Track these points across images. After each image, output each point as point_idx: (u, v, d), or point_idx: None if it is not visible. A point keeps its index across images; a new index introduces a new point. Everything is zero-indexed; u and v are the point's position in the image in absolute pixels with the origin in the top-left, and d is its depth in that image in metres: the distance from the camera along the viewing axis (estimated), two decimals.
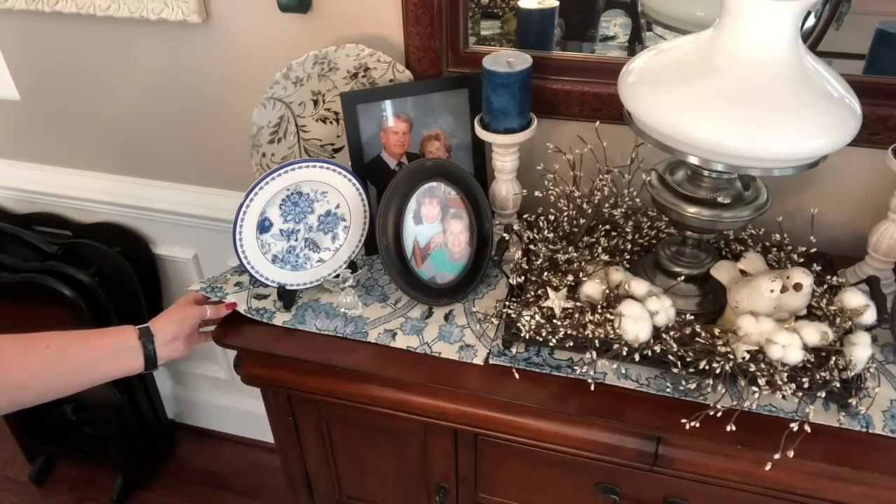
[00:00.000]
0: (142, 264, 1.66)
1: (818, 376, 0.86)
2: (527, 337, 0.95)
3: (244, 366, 1.10)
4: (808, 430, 0.84)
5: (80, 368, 0.93)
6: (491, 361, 0.99)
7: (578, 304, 0.96)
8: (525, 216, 1.14)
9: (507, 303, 1.02)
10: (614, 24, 1.18)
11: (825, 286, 0.97)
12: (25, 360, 0.88)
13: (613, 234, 1.09)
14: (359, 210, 1.10)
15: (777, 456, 0.83)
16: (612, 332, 0.91)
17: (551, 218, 1.08)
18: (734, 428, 0.85)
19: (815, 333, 0.87)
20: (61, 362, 0.91)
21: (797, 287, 0.90)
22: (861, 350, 0.87)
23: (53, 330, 0.92)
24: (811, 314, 0.94)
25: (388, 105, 1.13)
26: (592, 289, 0.96)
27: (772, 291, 0.89)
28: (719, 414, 0.86)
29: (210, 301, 1.09)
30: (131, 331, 0.98)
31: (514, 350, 1.00)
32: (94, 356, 0.94)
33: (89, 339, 0.95)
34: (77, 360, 0.92)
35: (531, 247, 1.06)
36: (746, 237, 1.07)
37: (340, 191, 1.08)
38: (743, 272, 0.97)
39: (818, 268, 0.99)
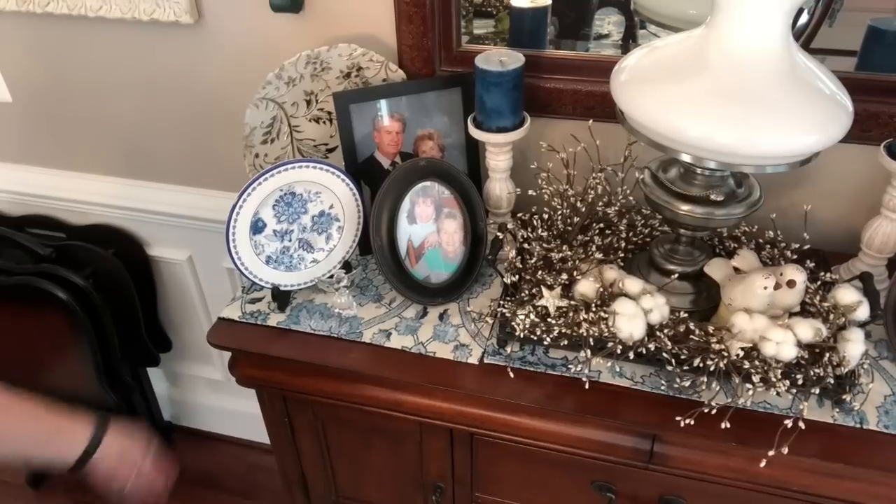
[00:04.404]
0: (136, 266, 1.66)
1: (812, 373, 0.87)
2: (521, 336, 0.95)
3: (239, 367, 1.09)
4: (803, 427, 0.84)
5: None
6: (486, 361, 0.99)
7: (573, 302, 0.96)
8: (519, 215, 1.14)
9: (501, 302, 1.01)
10: (608, 23, 1.18)
11: (818, 283, 0.97)
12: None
13: (607, 232, 1.09)
14: (352, 210, 1.10)
15: (771, 453, 0.83)
16: (606, 330, 0.91)
17: (545, 216, 1.08)
18: (729, 425, 0.85)
19: (808, 330, 0.88)
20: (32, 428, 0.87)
21: (790, 284, 0.90)
22: (854, 346, 0.87)
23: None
24: (805, 311, 0.94)
25: (381, 105, 1.13)
26: (586, 287, 0.96)
27: (765, 288, 0.89)
28: (714, 411, 0.86)
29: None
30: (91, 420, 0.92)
31: (508, 349, 0.99)
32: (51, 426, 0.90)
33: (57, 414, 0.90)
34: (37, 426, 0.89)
35: (525, 245, 1.06)
36: (740, 234, 1.07)
37: (334, 191, 1.08)
38: (736, 269, 0.97)
39: (811, 264, 0.99)
